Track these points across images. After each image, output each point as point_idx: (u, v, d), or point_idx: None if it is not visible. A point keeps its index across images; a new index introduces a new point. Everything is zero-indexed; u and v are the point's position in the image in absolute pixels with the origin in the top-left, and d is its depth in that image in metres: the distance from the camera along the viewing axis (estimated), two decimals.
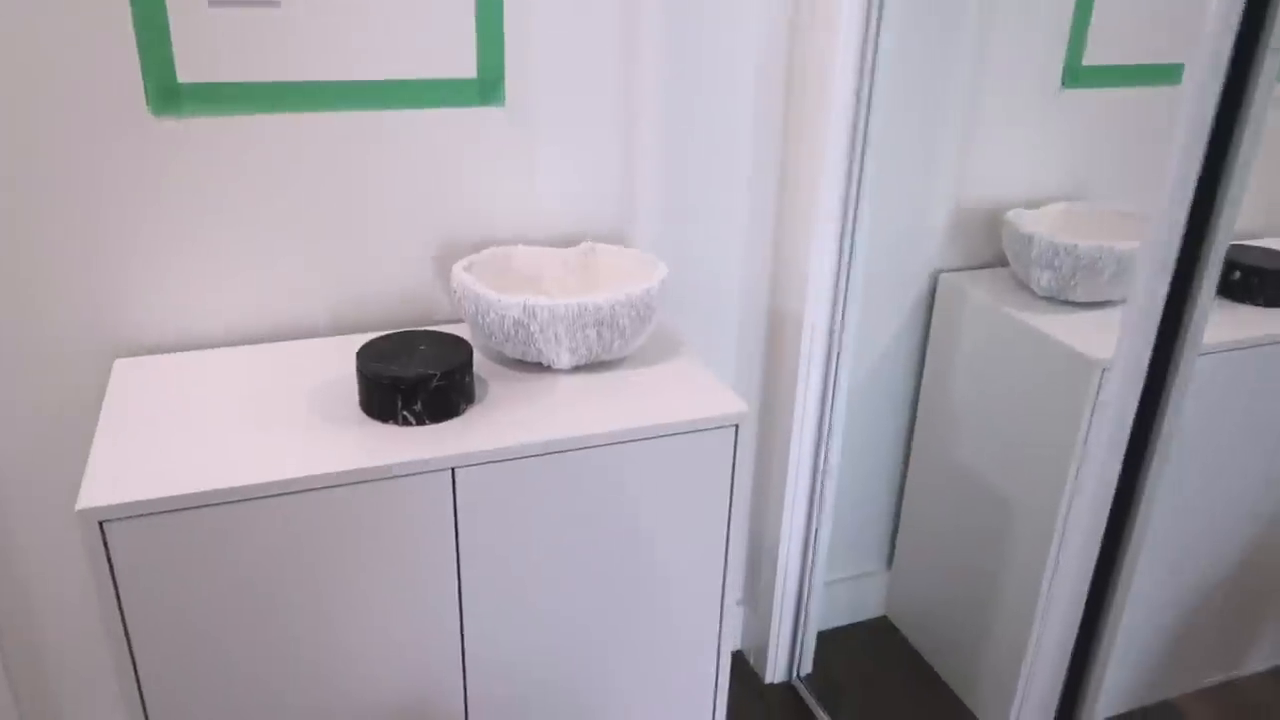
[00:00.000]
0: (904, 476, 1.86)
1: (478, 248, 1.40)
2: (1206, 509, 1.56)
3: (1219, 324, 1.45)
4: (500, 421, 1.14)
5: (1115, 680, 1.71)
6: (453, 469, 1.07)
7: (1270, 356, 1.46)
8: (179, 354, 1.28)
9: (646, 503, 1.19)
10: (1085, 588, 1.18)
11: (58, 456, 1.31)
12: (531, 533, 1.15)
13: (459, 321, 1.41)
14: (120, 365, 1.25)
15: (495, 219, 1.39)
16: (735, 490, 1.23)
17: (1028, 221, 1.56)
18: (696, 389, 1.23)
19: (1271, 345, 1.45)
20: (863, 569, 1.94)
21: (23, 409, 1.27)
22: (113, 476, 1.00)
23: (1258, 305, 1.50)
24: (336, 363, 1.27)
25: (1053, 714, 1.26)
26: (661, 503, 1.20)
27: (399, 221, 1.35)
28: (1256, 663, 1.80)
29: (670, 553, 1.24)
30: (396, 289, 1.38)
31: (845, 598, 1.94)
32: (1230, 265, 1.51)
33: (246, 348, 1.31)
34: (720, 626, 1.31)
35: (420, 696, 1.18)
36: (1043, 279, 1.52)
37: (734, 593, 1.29)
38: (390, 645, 1.14)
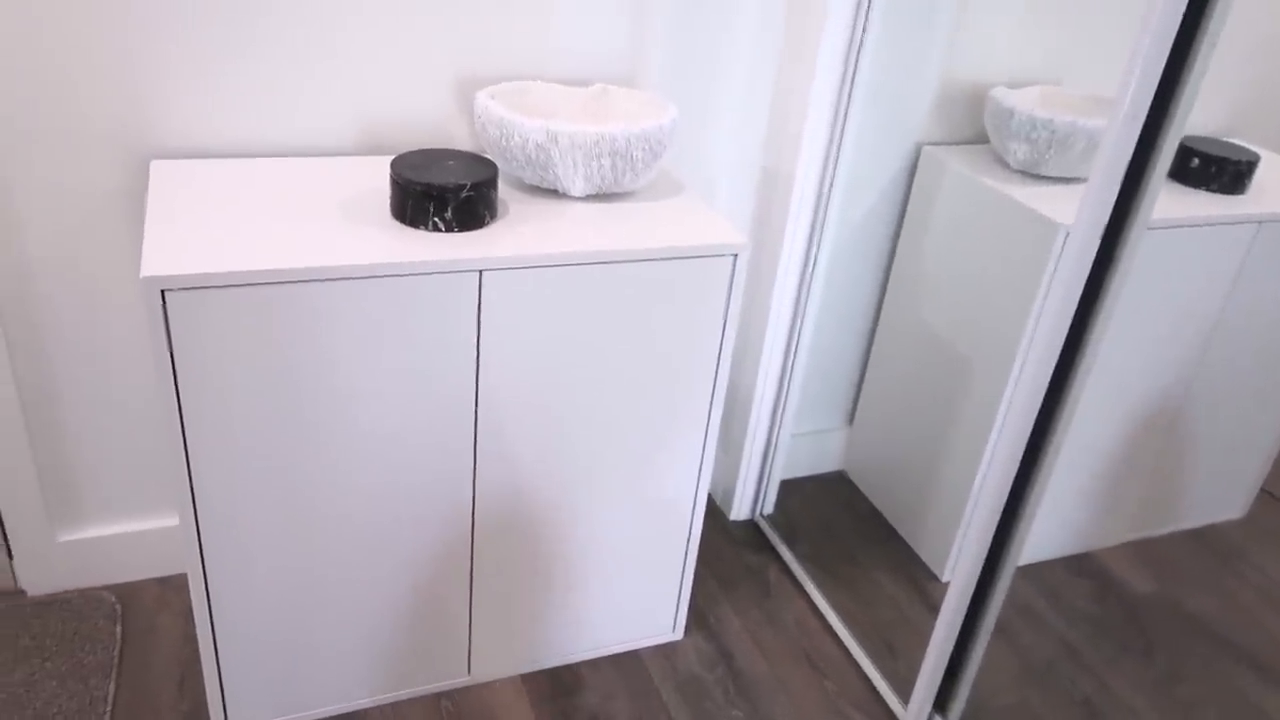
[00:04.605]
0: (871, 338, 2.00)
1: (494, 82, 1.47)
2: (1135, 376, 1.72)
3: (1171, 203, 1.58)
4: (522, 235, 1.24)
5: (1043, 530, 1.89)
6: (480, 271, 1.18)
7: (1211, 236, 1.60)
8: (212, 160, 1.36)
9: (651, 322, 1.31)
10: (1025, 439, 1.33)
11: (103, 242, 1.39)
12: (545, 337, 1.26)
13: (479, 152, 1.49)
14: (157, 165, 1.32)
15: (511, 56, 1.46)
16: (729, 319, 1.35)
17: (1009, 98, 1.66)
18: (699, 222, 1.34)
19: (1215, 226, 1.60)
20: (825, 425, 2.09)
21: (67, 197, 1.34)
22: (169, 254, 1.09)
23: (1211, 191, 1.64)
24: (365, 177, 1.35)
25: (984, 556, 1.43)
26: (664, 323, 1.31)
27: (420, 51, 1.41)
28: (1163, 526, 1.99)
29: (666, 371, 1.36)
30: (417, 117, 1.45)
31: (807, 451, 2.09)
32: (1190, 153, 1.64)
33: (278, 159, 1.38)
34: (705, 439, 1.45)
35: (435, 475, 1.30)
36: (1019, 152, 1.63)
37: (719, 410, 1.42)
38: (410, 429, 1.25)
